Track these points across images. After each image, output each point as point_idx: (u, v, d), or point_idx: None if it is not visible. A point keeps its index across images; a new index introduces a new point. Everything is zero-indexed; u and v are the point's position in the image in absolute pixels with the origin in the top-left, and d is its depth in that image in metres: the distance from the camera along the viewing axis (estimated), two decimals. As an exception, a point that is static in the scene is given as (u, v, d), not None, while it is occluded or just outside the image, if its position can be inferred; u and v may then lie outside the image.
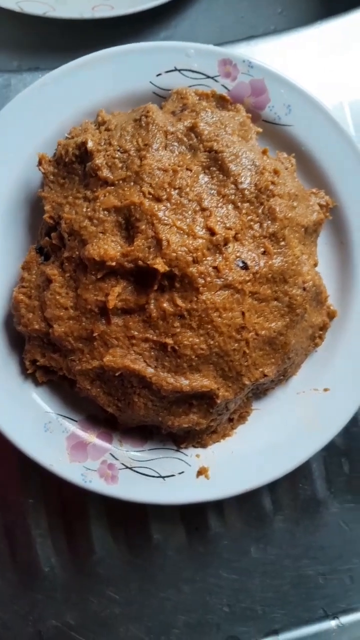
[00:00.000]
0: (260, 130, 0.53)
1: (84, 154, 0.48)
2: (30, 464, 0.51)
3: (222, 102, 0.53)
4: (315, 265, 0.53)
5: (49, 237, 0.49)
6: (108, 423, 0.52)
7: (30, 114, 0.51)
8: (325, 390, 0.54)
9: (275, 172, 0.49)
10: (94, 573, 0.57)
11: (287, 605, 0.59)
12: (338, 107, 0.62)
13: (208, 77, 0.53)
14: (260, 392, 0.54)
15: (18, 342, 0.51)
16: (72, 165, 0.48)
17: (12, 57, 0.87)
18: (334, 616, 0.60)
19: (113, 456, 0.51)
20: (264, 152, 0.51)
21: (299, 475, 0.59)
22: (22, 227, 0.53)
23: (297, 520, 0.59)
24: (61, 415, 0.51)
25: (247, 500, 0.58)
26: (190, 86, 0.53)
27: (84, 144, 0.47)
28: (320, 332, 0.54)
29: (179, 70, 0.53)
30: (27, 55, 0.87)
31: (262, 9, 0.89)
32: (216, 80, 0.53)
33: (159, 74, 0.53)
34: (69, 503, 0.57)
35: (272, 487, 0.58)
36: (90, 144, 0.47)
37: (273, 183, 0.49)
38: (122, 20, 0.87)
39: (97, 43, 0.87)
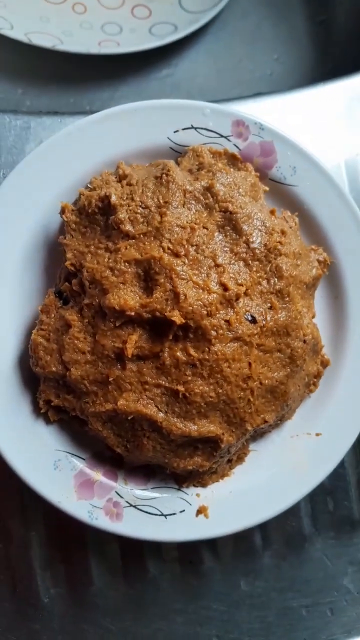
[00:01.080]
0: (267, 188, 0.57)
1: (106, 207, 0.50)
2: (34, 499, 0.52)
3: (233, 160, 0.57)
4: (313, 317, 0.57)
5: (69, 283, 0.51)
6: (113, 461, 0.54)
7: (53, 161, 0.53)
8: (317, 434, 0.57)
9: (283, 232, 0.53)
10: (91, 604, 0.58)
11: (271, 635, 0.62)
12: (336, 166, 0.66)
13: (222, 136, 0.57)
14: (257, 435, 0.57)
15: (31, 381, 0.53)
16: (94, 216, 0.51)
17: (17, 85, 0.89)
18: (315, 647, 0.63)
19: (118, 494, 0.53)
20: (272, 213, 0.54)
21: (288, 512, 0.61)
22: (39, 269, 0.54)
23: (284, 555, 0.63)
24: (69, 452, 0.53)
25: (239, 536, 0.61)
26: (204, 143, 0.56)
27: (108, 197, 0.50)
28: (315, 380, 0.58)
29: (195, 128, 0.56)
30: (31, 85, 0.89)
31: (259, 55, 0.94)
32: (229, 140, 0.57)
33: (177, 131, 0.56)
34: (69, 536, 0.58)
35: (263, 524, 0.60)
36: (114, 198, 0.50)
37: (280, 243, 0.52)
38: (126, 56, 0.91)
39: (101, 76, 0.91)
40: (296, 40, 0.96)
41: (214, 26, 0.94)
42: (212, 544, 0.61)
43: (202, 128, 0.56)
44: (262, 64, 0.95)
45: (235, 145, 0.57)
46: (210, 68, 0.94)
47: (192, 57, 0.94)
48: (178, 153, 0.56)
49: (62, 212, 0.52)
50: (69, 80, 0.90)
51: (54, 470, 0.52)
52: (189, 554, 0.60)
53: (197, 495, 0.55)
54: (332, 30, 0.96)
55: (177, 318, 0.47)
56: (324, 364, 0.58)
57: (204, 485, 0.55)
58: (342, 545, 0.64)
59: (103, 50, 0.84)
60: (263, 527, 0.62)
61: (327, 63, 0.97)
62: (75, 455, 0.53)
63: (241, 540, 0.61)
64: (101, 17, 0.87)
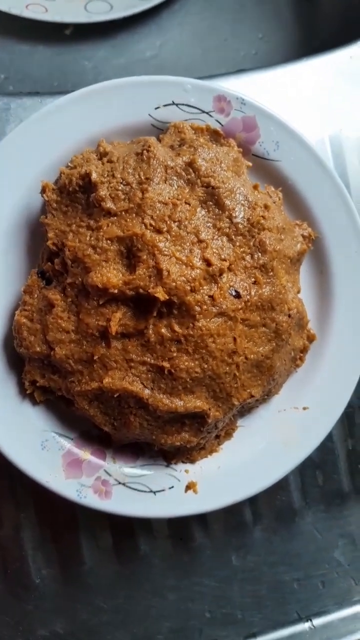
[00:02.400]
0: (251, 164, 0.56)
1: (87, 185, 0.50)
2: (24, 480, 0.53)
3: (215, 136, 0.56)
4: (298, 292, 0.57)
5: (52, 263, 0.50)
6: (102, 440, 0.54)
7: (33, 141, 0.53)
8: (305, 408, 0.58)
9: (266, 207, 0.53)
10: (83, 583, 0.59)
11: (264, 609, 0.63)
12: (320, 141, 0.66)
13: (203, 112, 0.56)
14: (245, 410, 0.57)
15: (16, 362, 0.53)
16: (75, 194, 0.50)
17: (1, 69, 0.89)
18: (307, 619, 0.64)
19: (107, 472, 0.53)
20: (255, 187, 0.54)
21: (277, 487, 0.62)
22: (21, 251, 0.54)
23: (275, 529, 0.63)
24: (57, 432, 0.53)
25: (230, 512, 0.62)
26: (186, 120, 0.56)
27: (88, 175, 0.49)
28: (301, 354, 0.58)
29: (177, 105, 0.56)
30: (14, 69, 0.88)
31: (244, 34, 0.93)
32: (211, 115, 0.56)
33: (158, 107, 0.55)
34: (60, 516, 0.59)
35: (252, 499, 0.61)
36: (94, 176, 0.49)
37: (263, 217, 0.52)
38: (111, 39, 0.90)
39: (84, 59, 0.90)
40: (281, 18, 0.95)
41: (198, 5, 0.93)
42: (202, 520, 0.61)
43: (183, 104, 0.56)
44: (247, 42, 0.95)
45: (217, 120, 0.56)
46: (195, 48, 0.93)
47: (177, 37, 0.93)
48: (160, 130, 0.56)
49: (43, 191, 0.51)
50: (51, 63, 0.89)
51: (42, 450, 0.52)
52: (180, 531, 0.61)
53: (186, 471, 0.55)
54: (316, 9, 0.95)
55: (160, 294, 0.47)
56: (310, 338, 0.58)
57: (192, 461, 0.55)
58: (332, 518, 0.64)
59: (93, 18, 0.83)
60: (253, 502, 0.62)
61: (312, 41, 0.96)
62: (63, 435, 0.54)
63: (231, 516, 0.62)
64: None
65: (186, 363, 0.49)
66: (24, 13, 0.80)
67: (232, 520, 0.62)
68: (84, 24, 0.84)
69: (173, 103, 0.55)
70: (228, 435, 0.57)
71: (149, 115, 0.55)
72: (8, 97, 0.60)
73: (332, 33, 0.94)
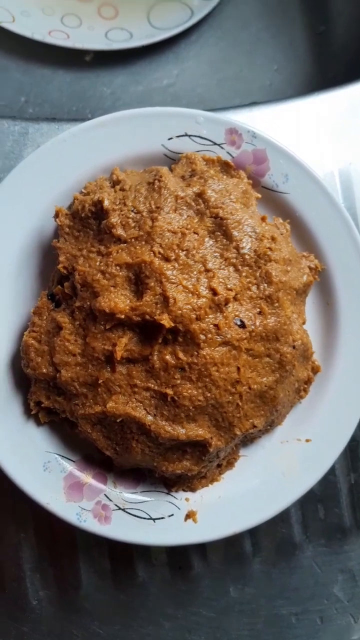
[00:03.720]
0: (260, 196, 0.57)
1: (99, 211, 0.51)
2: (24, 500, 0.53)
3: (226, 167, 0.57)
4: (304, 323, 0.58)
5: (62, 286, 0.51)
6: (103, 464, 0.55)
7: (49, 167, 0.54)
8: (307, 440, 0.58)
9: (273, 239, 0.54)
10: (80, 607, 0.59)
11: (260, 643, 0.62)
12: (329, 175, 0.67)
13: (215, 143, 0.57)
14: (247, 440, 0.57)
15: (22, 382, 0.53)
16: (87, 220, 0.52)
17: (20, 93, 0.91)
18: (305, 655, 0.63)
19: (107, 497, 0.53)
20: (263, 219, 0.55)
21: (278, 519, 0.62)
22: (33, 272, 0.55)
23: (274, 562, 0.62)
24: (59, 455, 0.54)
25: (229, 542, 0.61)
26: (198, 151, 0.57)
27: (100, 202, 0.51)
28: (305, 386, 0.58)
29: (189, 136, 0.57)
30: (34, 93, 0.91)
31: (259, 65, 0.96)
32: (222, 147, 0.58)
33: (171, 138, 0.57)
34: (59, 539, 0.58)
35: (253, 530, 0.61)
36: (106, 203, 0.50)
37: (270, 249, 0.53)
38: (130, 66, 0.92)
39: (103, 86, 0.93)
40: (295, 51, 0.97)
41: (215, 37, 0.95)
42: (201, 550, 0.61)
43: (195, 136, 0.57)
44: (262, 74, 0.97)
45: (228, 152, 0.58)
46: (210, 78, 0.96)
47: (193, 67, 0.95)
48: (172, 160, 0.57)
49: (56, 215, 0.52)
50: (70, 88, 0.92)
51: (44, 472, 0.52)
52: (178, 559, 0.60)
53: (186, 499, 0.55)
54: (331, 42, 0.97)
55: (166, 321, 0.48)
56: (315, 370, 0.58)
57: (193, 490, 0.55)
58: (332, 553, 0.64)
59: (113, 46, 0.85)
60: (253, 534, 0.62)
61: (326, 74, 0.98)
62: (65, 458, 0.54)
63: (231, 546, 0.61)
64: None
65: (189, 391, 0.49)
66: (46, 39, 0.83)
67: (231, 550, 0.61)
68: (104, 51, 0.86)
69: (186, 134, 0.57)
70: (230, 464, 0.57)
71: (162, 145, 0.56)
72: (26, 122, 0.61)
73: (346, 66, 0.96)
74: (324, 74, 0.99)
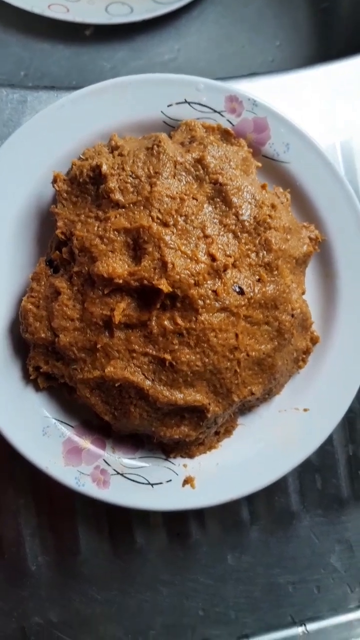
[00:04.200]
0: (260, 165, 0.57)
1: (97, 176, 0.51)
2: (23, 466, 0.53)
3: (226, 135, 0.57)
4: (303, 293, 0.57)
5: (60, 252, 0.51)
6: (102, 429, 0.55)
7: (47, 132, 0.54)
8: (305, 410, 0.58)
9: (273, 206, 0.53)
10: (78, 573, 0.59)
11: (257, 611, 0.63)
12: (331, 146, 0.66)
13: (215, 111, 0.57)
14: (245, 408, 0.58)
15: (21, 348, 0.54)
16: (85, 185, 0.51)
17: (20, 67, 0.90)
18: (301, 623, 0.63)
19: (106, 462, 0.53)
20: (263, 187, 0.55)
21: (276, 488, 0.63)
22: (31, 239, 0.55)
23: (271, 531, 0.63)
24: (58, 420, 0.54)
25: (227, 510, 0.62)
26: (197, 118, 0.57)
27: (99, 167, 0.50)
28: (304, 356, 0.58)
29: (189, 103, 0.56)
30: (34, 66, 0.90)
31: (261, 41, 0.95)
32: (222, 115, 0.57)
33: (170, 105, 0.56)
34: (58, 505, 0.59)
35: (250, 498, 0.62)
36: (104, 168, 0.50)
37: (270, 217, 0.52)
38: (130, 41, 0.91)
39: (103, 61, 0.92)
40: (298, 27, 0.96)
41: (216, 12, 0.94)
42: (199, 517, 0.61)
43: (195, 103, 0.57)
44: (264, 50, 0.96)
45: (228, 120, 0.57)
46: (212, 54, 0.95)
47: (195, 43, 0.94)
48: (171, 127, 0.57)
49: (54, 181, 0.52)
50: (70, 62, 0.91)
51: (43, 436, 0.53)
52: (177, 526, 0.61)
53: (184, 466, 0.55)
54: (334, 17, 0.96)
55: (164, 286, 0.48)
56: (314, 340, 0.58)
57: (191, 456, 0.56)
58: (330, 523, 0.64)
59: (114, 20, 0.84)
60: (251, 502, 0.62)
61: (330, 50, 0.97)
62: (64, 423, 0.54)
63: (229, 514, 0.62)
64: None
65: (187, 356, 0.49)
66: (46, 12, 0.82)
67: (229, 518, 0.62)
68: (104, 25, 0.85)
69: (185, 101, 0.56)
70: (228, 432, 0.57)
71: (161, 112, 0.56)
72: (25, 90, 0.61)
73: (349, 42, 0.94)
74: (327, 50, 0.97)
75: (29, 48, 0.90)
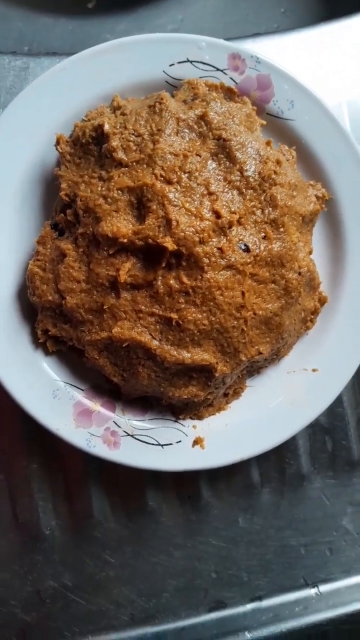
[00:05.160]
0: (265, 122, 0.56)
1: (100, 136, 0.50)
2: (36, 431, 0.54)
3: (229, 94, 0.56)
4: (310, 252, 0.57)
5: (64, 214, 0.51)
6: (112, 393, 0.55)
7: (49, 96, 0.54)
8: (314, 370, 0.58)
9: (278, 162, 0.53)
10: (91, 536, 0.60)
11: (270, 573, 0.63)
12: (337, 106, 0.65)
13: (218, 69, 0.56)
14: (254, 370, 0.57)
15: (30, 313, 0.54)
16: (88, 146, 0.51)
17: (23, 42, 0.90)
18: (314, 585, 0.64)
19: (116, 424, 0.54)
20: (268, 143, 0.54)
21: (286, 450, 0.63)
22: (36, 204, 0.55)
23: (282, 493, 0.63)
24: (68, 383, 0.54)
25: (237, 473, 0.62)
26: (200, 77, 0.56)
27: (101, 126, 0.50)
28: (312, 316, 0.58)
29: (191, 62, 0.56)
30: (36, 38, 0.90)
31: (266, 8, 0.93)
32: (225, 73, 0.56)
33: (172, 64, 0.55)
34: (71, 470, 0.60)
35: (261, 460, 0.62)
36: (106, 127, 0.50)
37: (275, 172, 0.52)
38: (132, 12, 0.90)
39: (105, 32, 0.91)
40: (302, -8, 0.94)
41: (220, -19, 0.93)
42: (210, 479, 0.61)
43: (198, 61, 0.56)
44: (269, 17, 0.94)
45: (231, 78, 0.56)
46: (216, 23, 0.93)
47: (198, 12, 0.93)
48: (174, 87, 0.56)
49: (57, 143, 0.52)
50: (73, 36, 0.90)
51: (53, 399, 0.53)
52: (188, 489, 0.61)
53: (194, 427, 0.55)
54: (339, -18, 0.94)
55: (169, 244, 0.48)
56: (322, 300, 0.58)
57: (200, 417, 0.56)
58: (341, 485, 0.64)
59: None
60: (261, 465, 0.62)
61: (336, 16, 0.95)
62: (74, 386, 0.54)
63: (239, 477, 0.62)
64: None
65: (194, 315, 0.49)
66: None
67: (239, 481, 0.62)
68: None
69: (187, 60, 0.56)
70: (236, 394, 0.57)
71: (164, 72, 0.55)
72: (27, 57, 0.61)
73: (355, 4, 0.92)
74: (333, 16, 0.95)
75: (31, 22, 0.90)
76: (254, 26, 0.93)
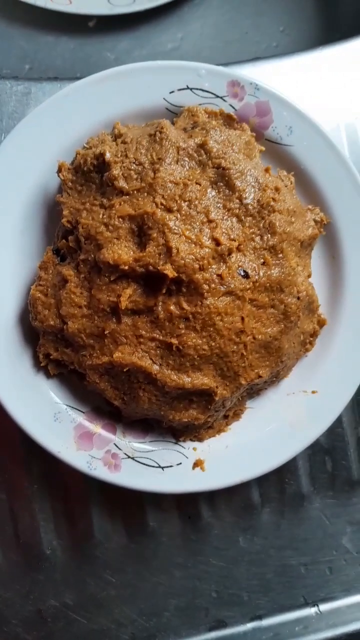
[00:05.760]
0: (263, 148, 0.57)
1: (101, 164, 0.51)
2: (37, 453, 0.54)
3: (229, 120, 0.57)
4: (309, 276, 0.58)
5: (66, 240, 0.52)
6: (112, 415, 0.56)
7: (51, 122, 0.54)
8: (313, 392, 0.58)
9: (276, 189, 0.53)
10: (93, 556, 0.60)
11: (270, 592, 0.63)
12: (335, 129, 0.66)
13: (217, 96, 0.57)
14: (254, 392, 0.58)
15: (32, 336, 0.55)
16: (89, 174, 0.52)
17: (24, 61, 0.91)
18: (314, 604, 0.64)
19: (116, 446, 0.54)
20: (267, 170, 0.55)
21: (286, 470, 0.63)
22: (38, 229, 0.56)
23: (282, 513, 0.64)
24: (69, 406, 0.55)
25: (238, 493, 0.62)
26: (200, 104, 0.57)
27: (102, 155, 0.51)
28: (311, 339, 0.59)
29: (191, 89, 0.57)
30: (38, 61, 0.91)
31: (265, 27, 0.94)
32: (224, 100, 0.57)
33: (172, 92, 0.56)
34: (72, 490, 0.60)
35: (261, 481, 0.62)
36: (108, 156, 0.51)
37: (274, 200, 0.53)
38: (133, 31, 0.91)
39: (106, 50, 0.92)
40: (302, 11, 0.95)
41: (218, -1, 0.94)
42: (210, 500, 0.62)
43: (197, 89, 0.57)
44: (268, 35, 0.95)
45: (231, 105, 0.57)
46: (215, 41, 0.94)
47: (198, 30, 0.94)
48: (174, 114, 0.57)
49: (59, 170, 0.53)
50: (74, 54, 0.91)
51: (54, 422, 0.54)
52: (188, 509, 0.62)
53: (194, 449, 0.56)
54: (338, 2, 0.95)
55: (169, 271, 0.48)
56: (321, 323, 0.59)
57: (200, 439, 0.56)
58: (340, 505, 0.64)
59: (116, 10, 0.84)
60: (261, 485, 0.63)
61: (334, 34, 0.96)
62: (75, 409, 0.55)
63: (239, 497, 0.63)
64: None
65: (194, 340, 0.50)
66: (49, 5, 0.82)
67: (240, 501, 0.63)
68: (107, 16, 0.85)
69: (187, 87, 0.56)
70: (236, 416, 0.58)
71: (164, 99, 0.56)
72: (29, 82, 0.62)
73: (353, 24, 0.94)
74: (331, 34, 0.97)
75: (32, 41, 0.91)
76: (253, 44, 0.94)
